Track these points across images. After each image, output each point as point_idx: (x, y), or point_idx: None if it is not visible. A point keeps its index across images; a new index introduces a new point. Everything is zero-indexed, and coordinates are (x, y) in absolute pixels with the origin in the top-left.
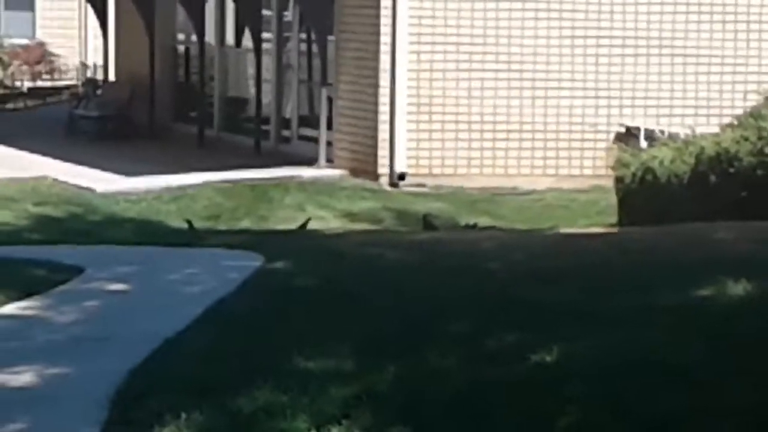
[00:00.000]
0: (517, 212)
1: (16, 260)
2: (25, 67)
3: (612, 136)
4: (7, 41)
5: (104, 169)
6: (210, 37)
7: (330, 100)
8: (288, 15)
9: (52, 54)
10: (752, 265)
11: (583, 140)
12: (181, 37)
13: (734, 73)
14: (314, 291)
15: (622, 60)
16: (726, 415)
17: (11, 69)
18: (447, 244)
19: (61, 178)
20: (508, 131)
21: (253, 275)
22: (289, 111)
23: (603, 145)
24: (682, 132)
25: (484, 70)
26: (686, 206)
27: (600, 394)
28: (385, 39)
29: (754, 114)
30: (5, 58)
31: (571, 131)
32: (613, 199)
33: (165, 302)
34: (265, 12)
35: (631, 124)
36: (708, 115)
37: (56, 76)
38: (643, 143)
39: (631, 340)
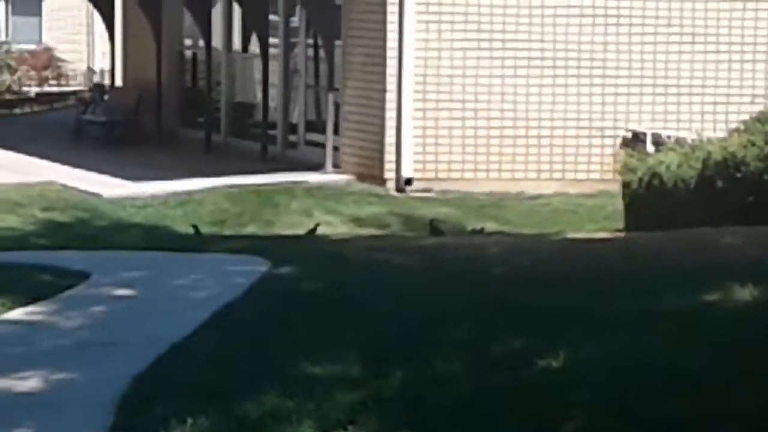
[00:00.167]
0: (524, 217)
1: (23, 265)
2: (32, 73)
3: (619, 140)
4: (14, 46)
5: (111, 174)
6: (217, 42)
7: (337, 105)
8: (295, 20)
9: (59, 59)
10: (759, 271)
11: (590, 145)
12: (188, 42)
13: (741, 77)
14: (320, 296)
15: (629, 64)
16: (730, 420)
17: (18, 74)
18: (453, 249)
19: (68, 183)
20: (515, 136)
21: (259, 280)
22: (296, 116)
23: (610, 149)
24: (689, 137)
25: (491, 76)
26: (693, 211)
27: (605, 398)
28: (392, 44)
29: (761, 119)
30: (12, 63)
31: (578, 136)
32: (620, 204)
33: (171, 307)
34: (272, 17)
35: (638, 128)
36: (714, 120)
37: (63, 81)
38: (650, 148)
39: (637, 344)
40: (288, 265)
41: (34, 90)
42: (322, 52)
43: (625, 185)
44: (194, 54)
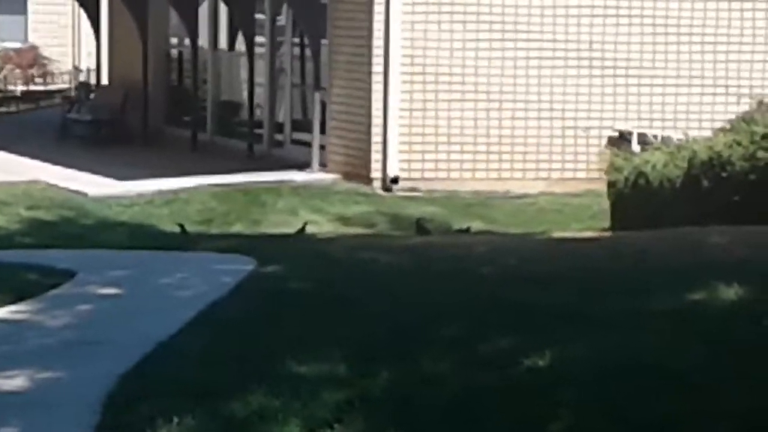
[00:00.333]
0: (510, 216)
1: (8, 264)
2: (17, 71)
3: (605, 140)
4: None
5: (97, 173)
6: (203, 40)
7: (323, 104)
8: (281, 19)
9: (44, 58)
10: (745, 270)
11: (576, 144)
12: (174, 41)
13: (726, 77)
14: (307, 295)
15: (614, 63)
16: (721, 419)
17: (4, 72)
18: (440, 248)
19: (54, 181)
20: (501, 135)
21: (245, 279)
22: (282, 115)
23: (596, 149)
24: (675, 136)
25: (477, 75)
26: (679, 210)
27: (594, 398)
28: (378, 43)
29: (747, 119)
30: None
31: (564, 135)
32: (606, 204)
33: (157, 306)
34: (259, 16)
35: (623, 128)
36: (700, 120)
37: (49, 79)
38: (636, 147)
39: (625, 344)
40: (274, 264)
41: (19, 89)
42: (308, 51)
43: (611, 185)
44: (180, 53)
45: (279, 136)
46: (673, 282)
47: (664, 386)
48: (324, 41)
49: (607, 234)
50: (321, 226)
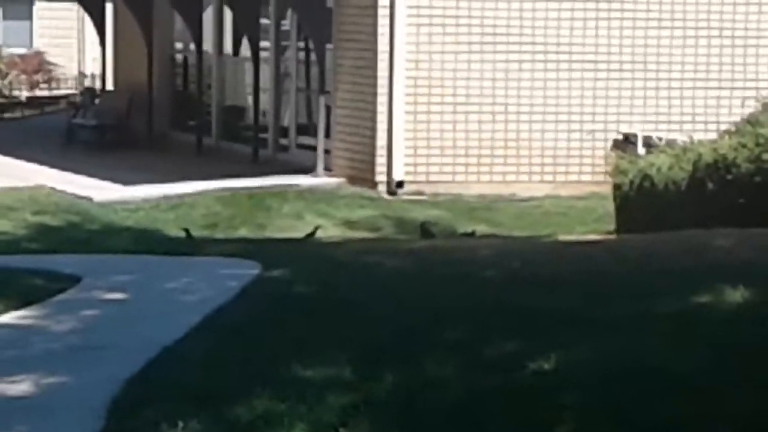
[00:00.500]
0: (515, 219)
1: (14, 269)
2: (23, 77)
3: (610, 143)
4: (5, 50)
5: (102, 178)
6: (208, 45)
7: (328, 108)
8: (286, 23)
9: (50, 63)
10: (750, 272)
11: (581, 147)
12: (179, 45)
13: (732, 79)
14: (312, 299)
15: (620, 66)
16: (725, 422)
17: (9, 78)
18: (445, 251)
19: (59, 187)
20: (506, 139)
21: (251, 283)
22: (287, 119)
23: (601, 152)
24: (680, 139)
25: (482, 78)
26: (684, 213)
27: (598, 401)
28: (383, 47)
29: (752, 121)
30: (3, 67)
31: (569, 138)
32: (611, 206)
33: (163, 311)
34: (263, 21)
35: (628, 131)
36: (705, 122)
37: (54, 85)
38: (641, 150)
39: (629, 347)
40: (280, 268)
41: (24, 94)
42: (313, 56)
43: (616, 187)
44: (185, 57)
45: (284, 141)
46: (678, 285)
47: (669, 389)
48: (329, 46)
49: (612, 237)
50: (326, 230)
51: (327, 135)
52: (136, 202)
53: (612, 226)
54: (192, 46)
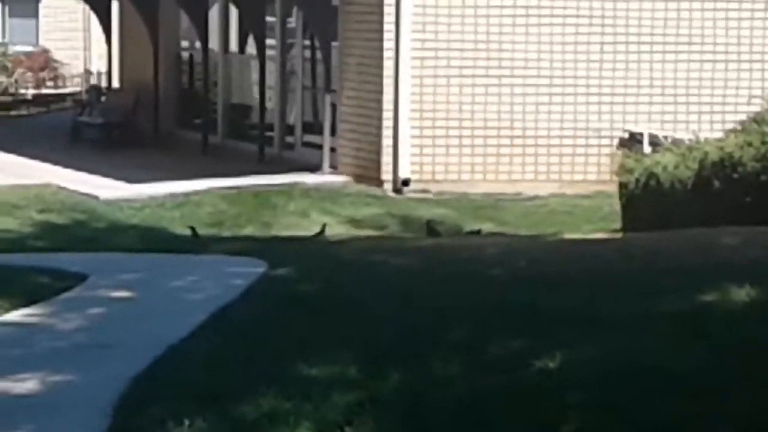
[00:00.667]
0: (521, 218)
1: (20, 267)
2: (29, 75)
3: (616, 141)
4: (11, 48)
5: (108, 176)
6: (214, 43)
7: (334, 106)
8: (292, 21)
9: (56, 61)
10: (756, 271)
11: (587, 146)
12: (185, 44)
13: (738, 78)
14: (318, 297)
15: (626, 65)
16: (727, 422)
17: (15, 76)
18: (450, 250)
19: (65, 185)
20: (512, 137)
21: (256, 282)
22: (293, 117)
23: (607, 150)
24: (686, 137)
25: (488, 76)
26: (690, 211)
27: (602, 400)
28: (388, 45)
29: (758, 119)
30: (9, 65)
31: (575, 137)
32: (617, 205)
33: (169, 309)
34: (269, 18)
35: (634, 129)
36: (711, 121)
37: (60, 83)
38: (647, 149)
39: (634, 346)
40: (285, 267)
41: (30, 92)
42: (319, 54)
43: (622, 186)
44: (191, 55)
45: (290, 139)
46: (684, 283)
47: (674, 388)
48: (335, 43)
49: (618, 235)
50: (332, 229)
51: (333, 133)
52: (142, 200)
53: (618, 225)
54: (198, 44)
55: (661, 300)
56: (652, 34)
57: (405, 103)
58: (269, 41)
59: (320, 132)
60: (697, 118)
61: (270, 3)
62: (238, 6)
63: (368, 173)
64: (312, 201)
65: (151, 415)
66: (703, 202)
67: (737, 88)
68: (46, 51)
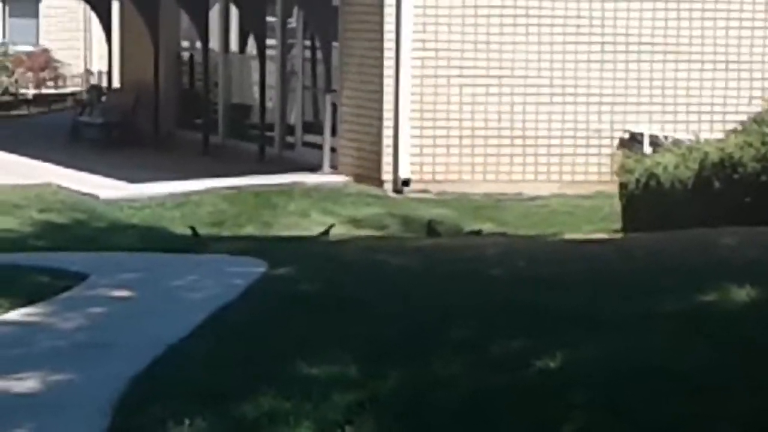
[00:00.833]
0: (522, 218)
1: (21, 267)
2: (29, 74)
3: (616, 142)
4: (11, 48)
5: (108, 175)
6: (214, 43)
7: (334, 106)
8: (292, 22)
9: (56, 61)
10: (756, 271)
11: (587, 146)
12: (185, 44)
13: (738, 78)
14: (318, 297)
15: (626, 66)
16: (730, 421)
17: (16, 76)
18: (451, 250)
19: (66, 184)
20: (512, 137)
21: (257, 281)
22: (294, 117)
23: (607, 151)
24: (686, 138)
25: (488, 76)
26: (690, 212)
27: (605, 400)
28: (389, 45)
29: (758, 120)
30: (10, 65)
31: (575, 137)
32: (618, 205)
33: (169, 308)
34: (270, 19)
35: (635, 130)
36: (712, 121)
37: (60, 83)
38: (647, 149)
39: (636, 346)
40: (286, 267)
41: (31, 92)
42: (319, 54)
43: (623, 186)
44: (191, 56)
45: (290, 139)
46: (684, 283)
47: (675, 388)
48: (335, 44)
49: (619, 235)
50: (332, 229)
51: (333, 133)
52: (142, 200)
53: (618, 225)
54: (198, 44)
55: (662, 300)
56: (652, 35)
57: (405, 103)
58: (270, 41)
59: (321, 132)
60: (698, 118)
61: (270, 3)
62: (238, 6)
63: (369, 173)
64: (312, 201)
65: (151, 414)
66: (703, 203)
67: (738, 89)
68: (46, 51)
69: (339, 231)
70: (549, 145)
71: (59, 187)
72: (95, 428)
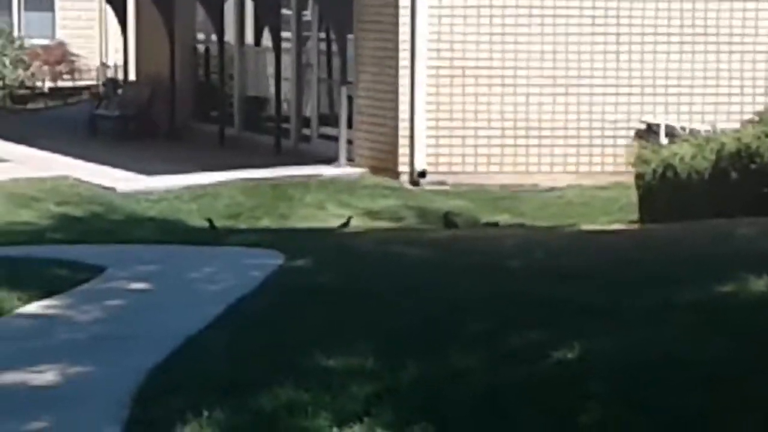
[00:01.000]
0: (538, 210)
1: (39, 259)
2: (45, 68)
3: (632, 132)
4: (27, 42)
5: (125, 168)
6: (230, 36)
7: (350, 98)
8: (307, 14)
9: (72, 54)
10: None
11: (603, 137)
12: (200, 36)
13: (754, 69)
14: (335, 289)
15: (641, 56)
16: (747, 412)
17: (32, 69)
18: (468, 241)
19: (83, 177)
20: (528, 128)
21: (274, 273)
22: (309, 110)
23: (623, 141)
24: (703, 128)
25: (504, 68)
26: (707, 202)
27: (622, 391)
28: (404, 36)
29: None
30: (26, 58)
31: (591, 128)
32: (634, 196)
33: (186, 301)
34: (285, 11)
35: (651, 120)
36: (729, 112)
37: (77, 76)
38: (664, 140)
39: (653, 337)
40: (303, 259)
41: (47, 85)
42: (334, 46)
43: (639, 177)
44: (207, 48)
45: (306, 131)
46: (701, 274)
47: (692, 379)
48: (350, 36)
49: (635, 226)
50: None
51: (349, 125)
52: (158, 192)
53: (635, 216)
54: (214, 37)
55: (679, 291)
56: (668, 25)
57: (421, 94)
58: (285, 34)
59: (336, 124)
60: (714, 108)
61: None
62: None
63: (385, 165)
64: (329, 193)
65: (169, 406)
66: (720, 193)
67: (754, 78)
68: (62, 44)
69: (355, 223)
70: (565, 136)
71: (76, 179)
72: (114, 420)
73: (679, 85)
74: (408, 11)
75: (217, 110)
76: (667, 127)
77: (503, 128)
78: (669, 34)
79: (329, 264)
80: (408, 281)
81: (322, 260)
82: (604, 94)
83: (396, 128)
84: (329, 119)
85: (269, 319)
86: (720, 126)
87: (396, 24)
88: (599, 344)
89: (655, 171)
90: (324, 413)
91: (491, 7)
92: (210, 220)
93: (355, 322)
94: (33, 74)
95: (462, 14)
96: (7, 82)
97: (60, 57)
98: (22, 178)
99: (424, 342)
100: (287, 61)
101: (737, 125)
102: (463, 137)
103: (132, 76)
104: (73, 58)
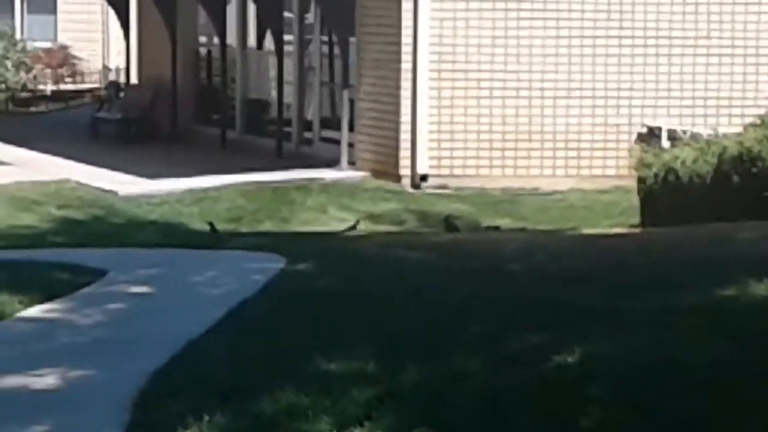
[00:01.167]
0: (540, 213)
1: (40, 263)
2: (47, 71)
3: (634, 136)
4: (29, 45)
5: (127, 171)
6: (232, 39)
7: (352, 101)
8: (309, 17)
9: (74, 57)
10: None
11: (605, 141)
12: (203, 39)
13: (757, 72)
14: (336, 293)
15: (644, 60)
16: (748, 415)
17: (34, 72)
18: (469, 245)
19: (84, 180)
20: (530, 132)
21: (275, 277)
22: (311, 113)
23: (625, 145)
24: (705, 132)
25: (505, 71)
26: (709, 206)
27: (623, 394)
28: (406, 40)
29: None
30: (28, 61)
31: (593, 132)
32: (636, 200)
33: (188, 304)
34: (287, 14)
35: (653, 124)
36: (730, 115)
37: (79, 79)
38: (666, 143)
39: (654, 340)
40: (304, 262)
41: (49, 88)
42: (336, 49)
43: (641, 181)
44: (209, 51)
45: (308, 134)
46: (702, 278)
47: (693, 382)
48: (352, 39)
49: (637, 230)
50: (350, 224)
51: (351, 128)
52: (160, 195)
53: (636, 220)
54: (216, 40)
55: (680, 294)
56: (670, 29)
57: (423, 98)
58: (287, 37)
59: (338, 127)
60: (716, 112)
61: None
62: (256, 2)
63: (386, 168)
64: (330, 196)
65: (170, 409)
66: (721, 197)
67: (756, 82)
68: (64, 47)
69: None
70: (567, 140)
71: (78, 183)
72: (115, 424)
73: (681, 89)
74: (410, 15)
75: (218, 113)
76: (669, 130)
77: (505, 132)
78: (671, 38)
79: (330, 268)
80: (409, 285)
81: (323, 264)
82: (606, 98)
83: (398, 131)
84: (331, 122)
85: (270, 322)
86: (722, 129)
87: (398, 27)
88: (601, 347)
89: (656, 175)
90: (325, 417)
91: (494, 10)
92: (211, 224)
93: (356, 326)
94: (35, 77)
95: (464, 17)
96: (10, 85)
97: (62, 60)
98: (24, 181)
99: (425, 346)
100: (289, 64)
101: (739, 129)
102: (465, 141)
103: (134, 79)
104: (75, 61)
